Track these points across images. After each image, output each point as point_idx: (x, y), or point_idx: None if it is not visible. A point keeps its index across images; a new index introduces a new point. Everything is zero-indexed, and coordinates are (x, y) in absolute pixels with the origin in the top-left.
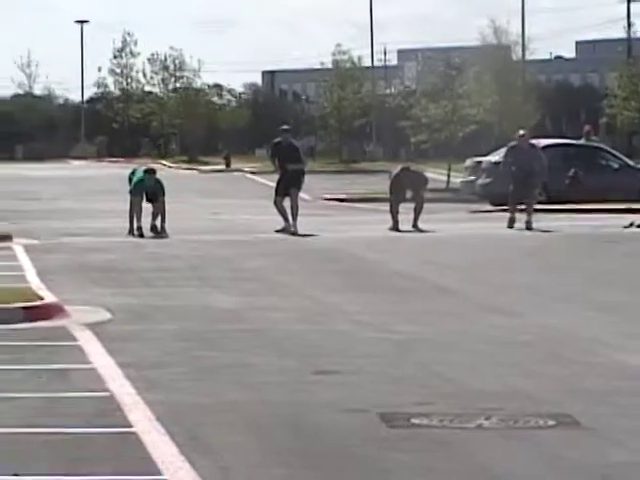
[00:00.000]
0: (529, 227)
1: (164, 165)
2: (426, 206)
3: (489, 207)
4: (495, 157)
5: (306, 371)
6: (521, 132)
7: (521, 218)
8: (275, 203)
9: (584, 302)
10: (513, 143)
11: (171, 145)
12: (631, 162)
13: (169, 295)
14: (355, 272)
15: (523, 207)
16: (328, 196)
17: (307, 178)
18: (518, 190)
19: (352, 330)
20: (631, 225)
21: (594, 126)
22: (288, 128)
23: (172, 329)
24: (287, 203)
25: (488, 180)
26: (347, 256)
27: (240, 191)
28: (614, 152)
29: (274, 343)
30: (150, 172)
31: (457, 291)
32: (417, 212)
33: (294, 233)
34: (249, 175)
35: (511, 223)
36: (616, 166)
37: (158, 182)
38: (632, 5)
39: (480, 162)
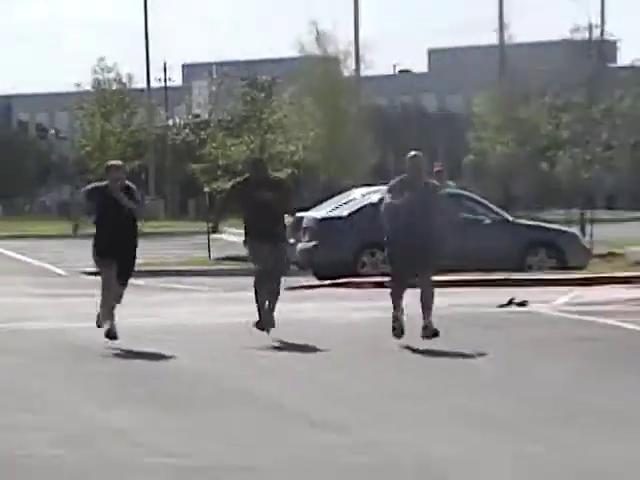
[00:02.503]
0: (429, 334)
1: None
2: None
3: (313, 281)
4: (321, 212)
5: None
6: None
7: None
8: None
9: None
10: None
11: None
12: (509, 216)
13: None
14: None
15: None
16: (86, 269)
17: (59, 244)
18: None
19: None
20: (510, 303)
21: (452, 166)
22: None
23: None
24: None
25: (311, 244)
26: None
27: None
28: (484, 202)
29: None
30: None
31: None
32: None
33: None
34: None
35: (397, 324)
36: (488, 221)
37: None
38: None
39: (300, 219)
